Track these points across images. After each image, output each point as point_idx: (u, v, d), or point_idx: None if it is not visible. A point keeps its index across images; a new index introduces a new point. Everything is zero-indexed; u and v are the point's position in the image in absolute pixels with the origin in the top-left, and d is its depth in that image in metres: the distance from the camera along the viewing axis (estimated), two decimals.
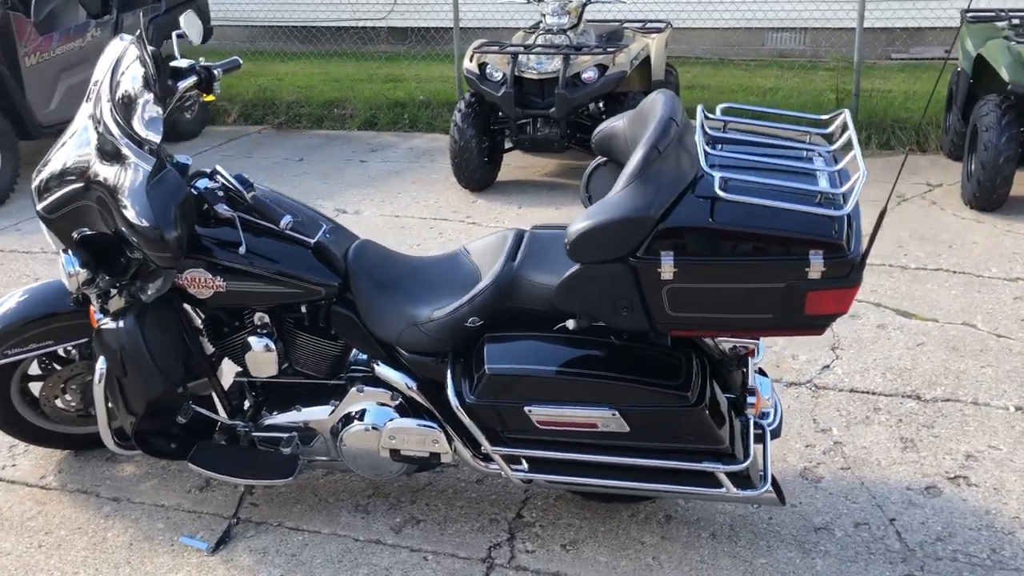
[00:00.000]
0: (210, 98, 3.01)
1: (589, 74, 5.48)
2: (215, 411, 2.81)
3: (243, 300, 2.58)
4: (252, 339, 2.64)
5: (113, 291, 2.59)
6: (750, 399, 2.39)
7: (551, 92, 5.50)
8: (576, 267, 2.21)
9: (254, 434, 2.75)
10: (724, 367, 2.49)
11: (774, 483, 2.44)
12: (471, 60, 5.72)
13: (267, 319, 2.66)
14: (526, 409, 2.33)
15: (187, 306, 2.71)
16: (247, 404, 2.81)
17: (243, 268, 2.52)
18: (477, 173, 5.82)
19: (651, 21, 6.95)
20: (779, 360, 3.68)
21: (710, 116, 2.46)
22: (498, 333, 2.43)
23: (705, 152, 2.20)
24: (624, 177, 2.19)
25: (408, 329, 2.51)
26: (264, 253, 2.54)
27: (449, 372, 2.46)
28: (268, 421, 2.74)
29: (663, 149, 2.19)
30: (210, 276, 2.53)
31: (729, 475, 2.36)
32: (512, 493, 2.88)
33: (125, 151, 2.43)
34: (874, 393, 3.42)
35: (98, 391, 2.60)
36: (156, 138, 2.44)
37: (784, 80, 8.11)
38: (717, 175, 2.12)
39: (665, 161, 2.19)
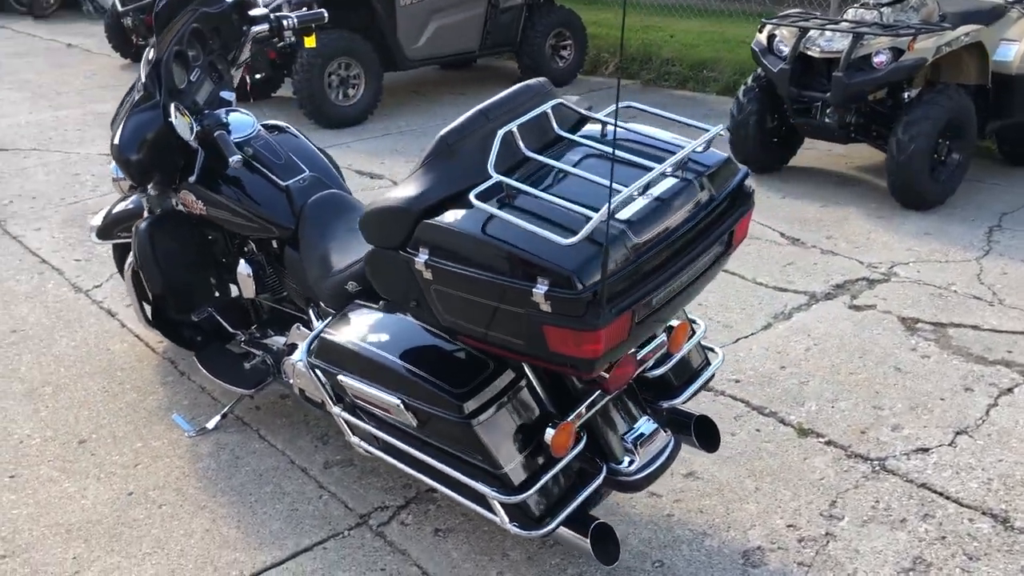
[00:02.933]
0: (311, 43, 3.34)
1: (880, 58, 4.72)
2: (232, 320, 3.21)
3: (223, 225, 2.92)
4: (241, 262, 2.97)
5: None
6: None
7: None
8: (370, 248, 2.16)
9: (243, 347, 3.11)
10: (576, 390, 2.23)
11: (599, 536, 2.15)
12: (761, 31, 5.26)
13: (254, 247, 2.97)
14: (339, 377, 2.35)
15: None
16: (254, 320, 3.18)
17: (214, 196, 2.85)
18: (757, 152, 5.39)
19: None
20: (870, 424, 3.03)
21: (594, 117, 2.16)
22: (363, 302, 2.46)
23: (498, 155, 1.98)
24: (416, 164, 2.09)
25: (316, 283, 2.65)
26: (235, 186, 2.83)
27: (315, 329, 2.55)
28: (255, 338, 3.08)
29: (453, 142, 2.02)
30: (194, 199, 2.90)
31: (503, 504, 2.13)
32: None
33: (136, 81, 2.88)
34: (959, 503, 2.69)
35: (128, 278, 3.16)
36: (142, 75, 2.84)
37: None
38: (492, 181, 1.92)
39: (457, 156, 2.02)
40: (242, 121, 2.94)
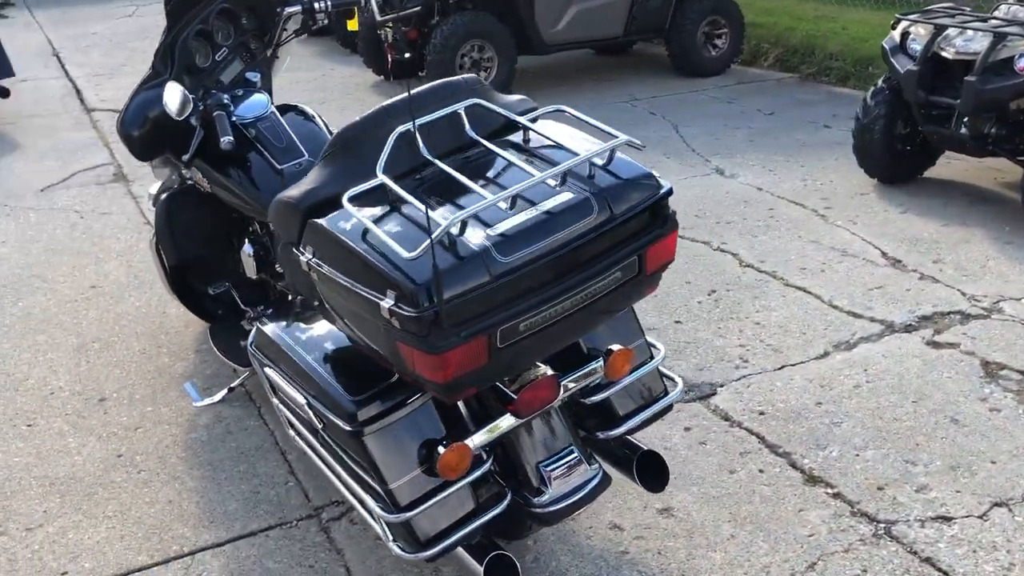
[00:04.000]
0: (353, 26, 3.33)
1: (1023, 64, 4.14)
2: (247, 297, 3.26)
3: (225, 202, 2.95)
4: (245, 241, 3.01)
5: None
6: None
7: None
8: (282, 242, 2.10)
9: (251, 325, 3.15)
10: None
11: (495, 566, 2.01)
12: (895, 28, 4.74)
13: (258, 227, 3.00)
14: (266, 370, 2.32)
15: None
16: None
17: (214, 175, 2.88)
18: (882, 160, 4.90)
19: None
20: (893, 480, 2.66)
21: (515, 119, 1.99)
22: None
23: (398, 155, 1.86)
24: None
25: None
26: (233, 167, 2.86)
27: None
28: (263, 318, 3.11)
29: (350, 138, 1.93)
30: (201, 176, 2.96)
31: (387, 522, 2.02)
32: None
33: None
34: None
35: (152, 248, 3.27)
36: (155, 59, 2.90)
37: None
38: (375, 183, 1.81)
39: (355, 154, 1.92)
40: (256, 102, 2.95)
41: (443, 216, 1.70)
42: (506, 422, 2.04)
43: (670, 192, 1.93)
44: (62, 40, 9.90)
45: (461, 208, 1.74)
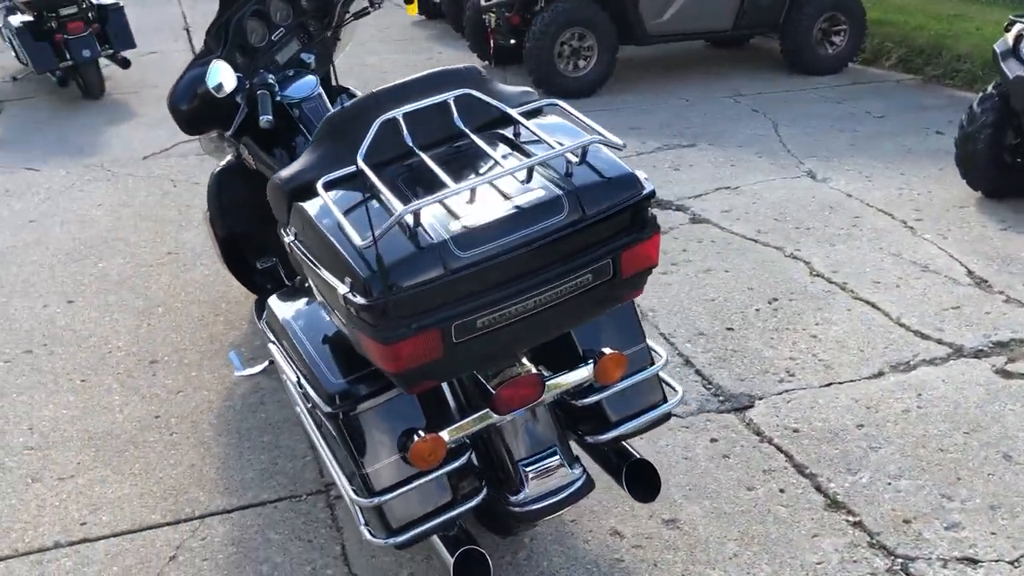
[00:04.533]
0: (412, 11, 3.34)
1: None
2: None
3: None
4: None
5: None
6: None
7: None
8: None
9: None
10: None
11: (465, 560, 1.99)
12: (1008, 30, 4.41)
13: None
14: (269, 345, 2.35)
15: None
16: None
17: (257, 152, 2.95)
18: (986, 171, 4.59)
19: None
20: (923, 514, 2.50)
21: (507, 111, 1.95)
22: None
23: (381, 143, 1.85)
24: None
25: None
26: (274, 145, 2.91)
27: None
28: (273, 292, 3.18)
29: (338, 123, 1.93)
30: (247, 152, 3.03)
31: (360, 505, 2.03)
32: None
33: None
34: None
35: (205, 220, 3.37)
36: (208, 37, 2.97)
37: None
38: (352, 170, 1.82)
39: (343, 139, 1.93)
40: (304, 83, 3.00)
41: (405, 205, 1.68)
42: (484, 417, 2.01)
43: (651, 195, 1.85)
44: (196, 16, 10.35)
45: (452, 195, 1.72)
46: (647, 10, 6.77)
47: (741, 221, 4.48)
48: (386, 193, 1.72)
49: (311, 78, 3.02)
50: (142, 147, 5.89)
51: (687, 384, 3.15)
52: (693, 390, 3.11)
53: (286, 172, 1.98)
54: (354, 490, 2.01)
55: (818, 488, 2.64)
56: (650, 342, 2.26)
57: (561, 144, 1.82)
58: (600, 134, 1.84)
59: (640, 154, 5.47)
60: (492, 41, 7.30)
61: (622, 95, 6.85)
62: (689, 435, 2.88)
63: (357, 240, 1.64)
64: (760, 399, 3.06)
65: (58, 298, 3.90)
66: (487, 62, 7.68)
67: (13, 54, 7.55)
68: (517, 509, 2.06)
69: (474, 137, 1.89)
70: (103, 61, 7.03)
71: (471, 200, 1.75)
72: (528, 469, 2.06)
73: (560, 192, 1.76)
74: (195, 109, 3.00)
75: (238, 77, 2.81)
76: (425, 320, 1.66)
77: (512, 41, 7.15)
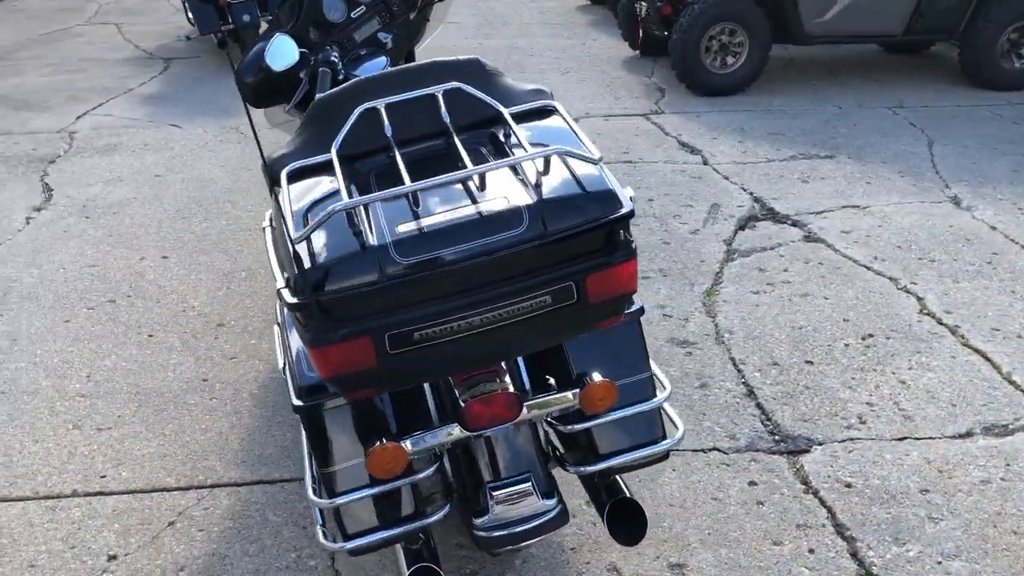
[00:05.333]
0: None
1: None
2: None
3: None
4: None
5: None
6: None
7: None
8: None
9: None
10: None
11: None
12: None
13: None
14: (275, 326, 2.32)
15: None
16: None
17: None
18: None
19: None
20: None
21: (502, 113, 1.81)
22: None
23: (362, 133, 1.76)
24: None
25: None
26: None
27: None
28: None
29: (324, 108, 1.85)
30: None
31: (318, 505, 1.96)
32: None
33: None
34: None
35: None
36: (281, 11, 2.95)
37: None
38: (324, 158, 1.74)
39: (327, 125, 1.85)
40: (374, 64, 2.95)
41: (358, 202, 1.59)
42: (451, 431, 1.89)
43: (629, 216, 1.66)
44: None
45: (390, 197, 1.61)
46: (807, 8, 6.34)
47: (859, 244, 4.11)
48: (343, 187, 1.63)
49: (382, 59, 2.96)
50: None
51: (743, 417, 2.90)
52: (747, 425, 2.87)
53: (276, 154, 1.93)
54: (313, 488, 1.95)
55: (854, 555, 2.36)
56: (657, 371, 2.06)
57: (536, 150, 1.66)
58: (580, 143, 1.67)
59: (770, 161, 5.13)
60: (641, 30, 7.06)
61: (770, 97, 6.46)
62: (727, 473, 2.65)
63: (294, 234, 1.56)
64: (819, 444, 2.78)
65: (155, 252, 4.06)
66: (636, 52, 7.45)
67: (186, 16, 7.97)
68: (479, 533, 1.94)
69: (453, 135, 1.76)
70: (264, 26, 7.30)
71: (429, 204, 1.63)
72: (496, 493, 1.93)
73: (522, 204, 1.61)
74: (260, 82, 3.00)
75: (302, 52, 2.78)
76: (356, 327, 1.57)
77: (665, 32, 6.88)
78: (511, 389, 1.86)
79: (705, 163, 5.13)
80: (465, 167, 1.66)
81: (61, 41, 8.52)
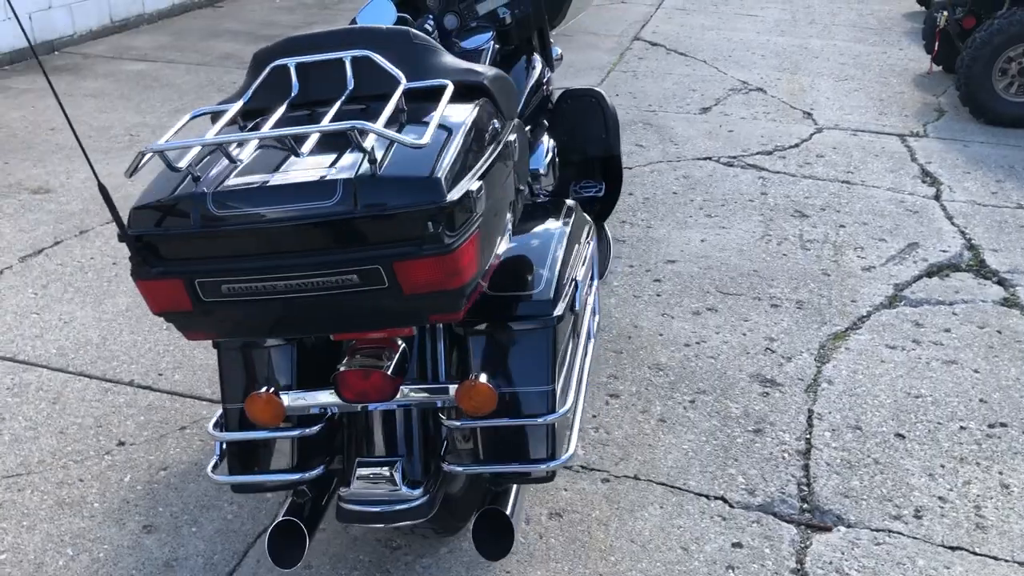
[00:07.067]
0: None
1: None
2: None
3: None
4: None
5: None
6: None
7: None
8: None
9: None
10: None
11: (278, 536, 1.96)
12: None
13: None
14: None
15: None
16: None
17: None
18: None
19: None
20: None
21: (404, 85, 1.75)
22: None
23: (273, 87, 1.81)
24: None
25: None
26: None
27: None
28: None
29: (256, 59, 1.91)
30: None
31: (213, 437, 2.05)
32: None
33: None
34: None
35: None
36: None
37: None
38: (227, 107, 1.82)
39: (252, 76, 1.92)
40: (479, 37, 2.92)
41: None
42: (323, 395, 1.90)
43: (444, 208, 1.54)
44: None
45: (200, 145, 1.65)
46: None
47: None
48: (211, 137, 1.69)
49: (485, 35, 2.95)
50: None
51: (778, 475, 2.57)
52: (777, 484, 2.54)
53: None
54: (215, 422, 2.05)
55: None
56: (570, 393, 1.91)
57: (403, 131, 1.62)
58: (426, 125, 1.58)
59: (1019, 208, 4.37)
60: (938, 42, 6.30)
61: None
62: (716, 527, 2.38)
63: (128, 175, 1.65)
64: (848, 527, 2.40)
65: None
66: (935, 64, 6.66)
67: None
68: (340, 504, 1.93)
69: (339, 101, 1.74)
70: None
71: (263, 163, 1.64)
72: (360, 469, 1.92)
73: (340, 178, 1.56)
74: None
75: (401, 16, 2.85)
76: (168, 268, 1.63)
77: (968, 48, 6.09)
78: (389, 370, 1.83)
79: (936, 198, 4.50)
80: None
81: None
